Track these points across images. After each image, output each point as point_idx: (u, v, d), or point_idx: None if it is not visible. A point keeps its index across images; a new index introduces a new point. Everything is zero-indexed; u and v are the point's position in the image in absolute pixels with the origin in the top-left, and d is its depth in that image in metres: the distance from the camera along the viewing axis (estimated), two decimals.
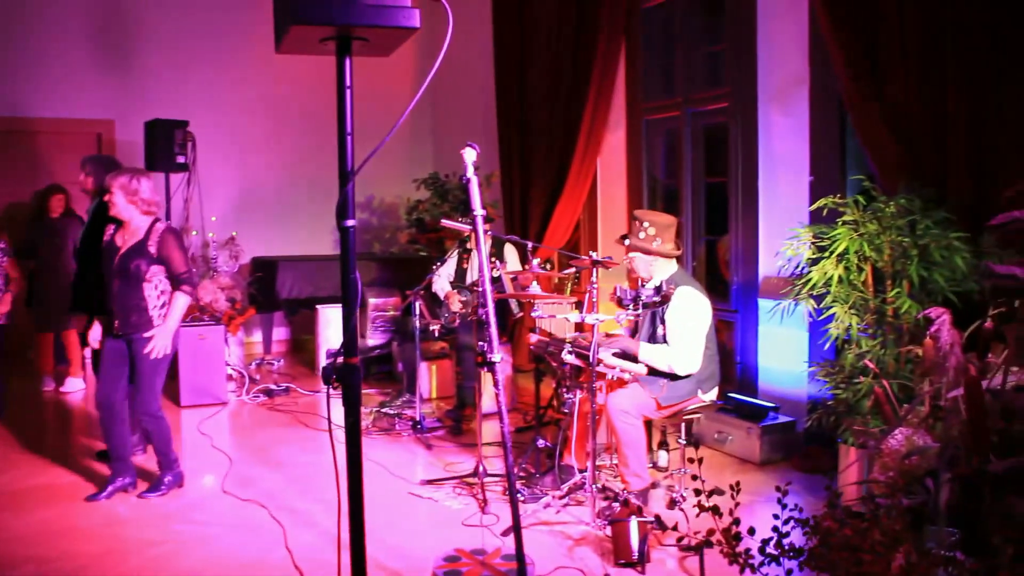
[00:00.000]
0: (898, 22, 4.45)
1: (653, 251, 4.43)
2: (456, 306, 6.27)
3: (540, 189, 7.27)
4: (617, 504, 4.06)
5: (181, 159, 6.90)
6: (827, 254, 4.10)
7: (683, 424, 4.55)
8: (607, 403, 4.32)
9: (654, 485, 4.60)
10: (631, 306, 3.87)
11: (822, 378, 4.27)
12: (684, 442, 4.55)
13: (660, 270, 4.49)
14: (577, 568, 3.74)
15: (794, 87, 5.28)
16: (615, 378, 4.22)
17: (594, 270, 4.21)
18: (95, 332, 4.77)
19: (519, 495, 4.55)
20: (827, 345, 4.17)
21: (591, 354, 4.03)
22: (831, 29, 4.70)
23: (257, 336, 8.53)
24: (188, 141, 6.93)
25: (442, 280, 6.45)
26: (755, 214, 5.59)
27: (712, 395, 4.49)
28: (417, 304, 5.88)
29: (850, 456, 4.28)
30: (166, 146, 6.85)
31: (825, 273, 4.09)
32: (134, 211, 4.63)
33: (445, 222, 4.80)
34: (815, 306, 4.18)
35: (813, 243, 4.17)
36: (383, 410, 6.30)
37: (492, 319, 3.22)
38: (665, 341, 4.35)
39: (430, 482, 4.89)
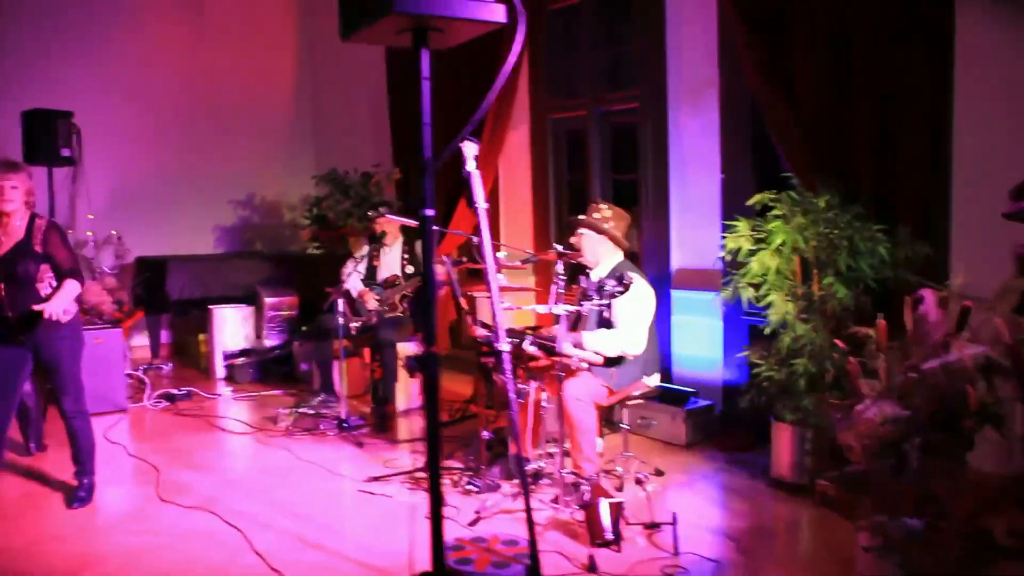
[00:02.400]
0: (808, 28, 4.79)
1: (605, 231, 4.58)
2: (372, 304, 6.19)
3: (439, 186, 7.27)
4: (583, 488, 4.19)
5: (66, 152, 6.42)
6: (765, 246, 4.38)
7: (624, 410, 4.72)
8: (562, 391, 4.43)
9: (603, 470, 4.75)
10: (595, 296, 3.99)
11: (757, 361, 4.55)
12: (626, 427, 4.72)
13: (606, 255, 4.64)
14: (556, 551, 3.82)
15: (704, 89, 5.57)
16: (575, 367, 4.34)
17: (559, 262, 4.31)
18: None
19: (474, 487, 4.60)
20: (767, 331, 4.45)
21: (557, 344, 4.12)
22: (743, 35, 5.01)
23: (140, 340, 8.05)
24: (73, 133, 6.46)
25: (354, 278, 6.35)
26: (666, 210, 5.86)
27: (655, 379, 4.70)
28: (340, 302, 5.78)
29: (782, 433, 4.58)
30: (48, 138, 6.35)
31: (763, 263, 4.37)
32: (22, 208, 4.31)
33: (389, 216, 4.76)
34: (754, 294, 4.45)
35: (752, 235, 4.43)
36: (299, 410, 6.13)
37: (498, 308, 3.26)
38: (610, 327, 4.50)
39: (376, 479, 4.84)
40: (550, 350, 4.31)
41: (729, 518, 4.26)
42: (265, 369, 7.46)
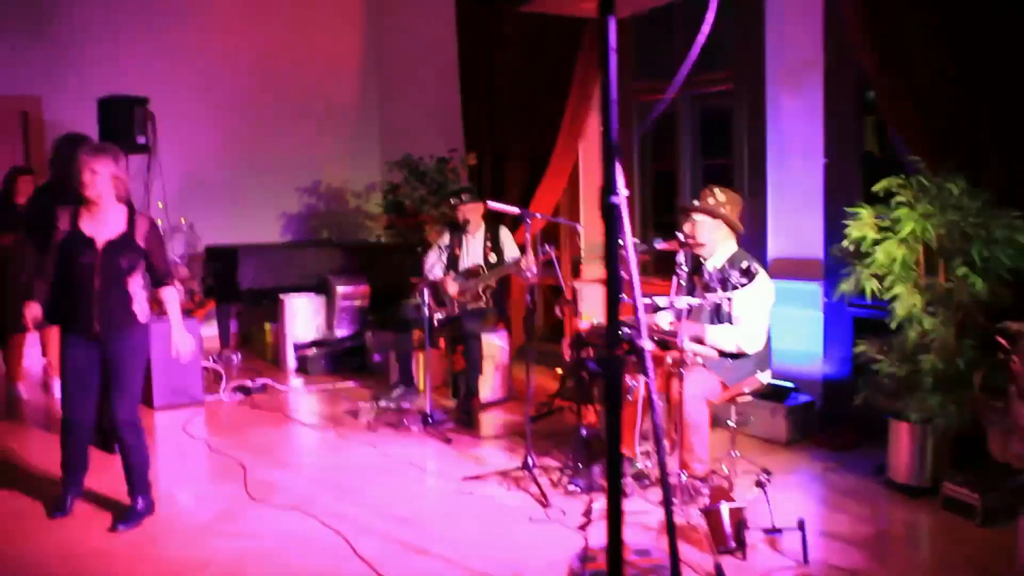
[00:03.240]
0: (927, 3, 4.49)
1: (720, 215, 4.33)
2: (453, 290, 5.99)
3: (516, 173, 7.06)
4: (704, 491, 3.97)
5: (142, 140, 6.29)
6: (890, 234, 4.10)
7: (733, 407, 4.48)
8: (674, 388, 4.21)
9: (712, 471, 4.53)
10: (718, 288, 3.75)
11: (878, 356, 4.28)
12: (733, 425, 4.48)
13: (722, 243, 4.38)
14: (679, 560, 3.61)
15: (805, 69, 5.27)
16: (691, 362, 4.10)
17: (681, 252, 4.07)
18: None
19: (576, 487, 4.40)
20: (894, 324, 4.17)
21: (679, 339, 3.88)
22: (856, 10, 4.71)
23: (208, 330, 7.93)
24: (148, 121, 6.33)
25: (437, 268, 6.16)
26: (763, 197, 5.58)
27: (768, 375, 4.45)
28: (425, 292, 5.59)
29: (901, 432, 4.32)
30: (124, 126, 6.22)
31: (889, 253, 4.09)
32: (111, 196, 4.05)
33: (491, 204, 4.57)
34: (878, 286, 4.18)
35: (876, 223, 4.16)
36: (380, 403, 5.96)
37: (639, 302, 3.04)
38: (729, 320, 4.26)
39: (474, 478, 4.65)
40: (666, 344, 4.08)
41: (850, 523, 4.01)
42: (337, 360, 7.31)
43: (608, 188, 2.13)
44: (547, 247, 4.35)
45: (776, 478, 4.55)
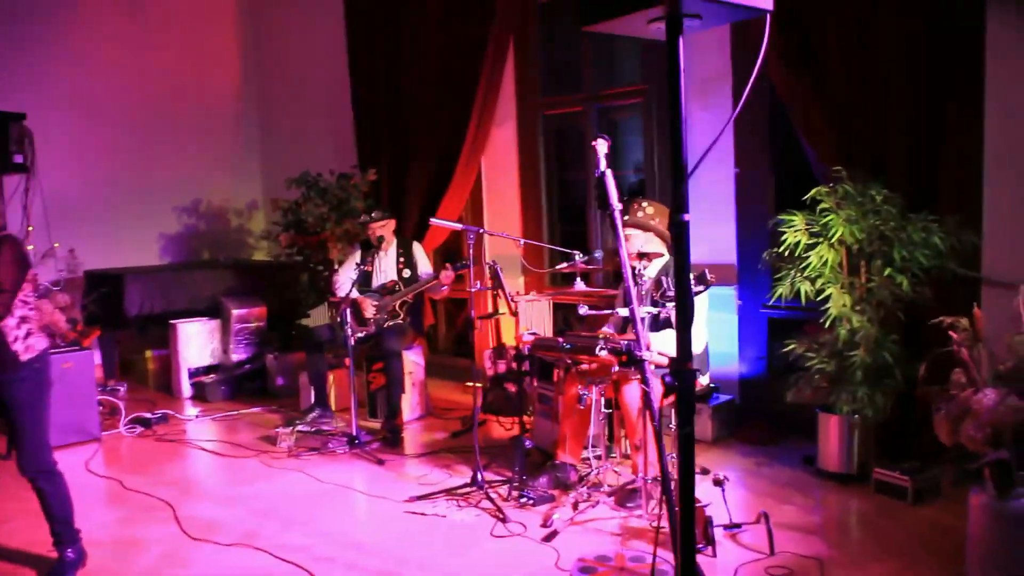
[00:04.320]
0: (835, 17, 4.76)
1: (652, 227, 4.42)
2: (370, 311, 5.84)
3: (416, 188, 6.96)
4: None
5: (19, 159, 5.77)
6: (821, 240, 4.33)
7: (673, 410, 4.58)
8: (624, 396, 4.26)
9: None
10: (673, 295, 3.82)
11: (810, 354, 4.50)
12: (672, 427, 4.58)
13: (655, 253, 4.49)
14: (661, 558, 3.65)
15: (716, 83, 5.49)
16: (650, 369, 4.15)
17: (639, 263, 4.12)
18: None
19: (528, 499, 4.36)
20: (827, 323, 4.39)
21: (637, 349, 3.92)
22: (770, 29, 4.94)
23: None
24: (25, 137, 5.81)
25: (345, 284, 5.97)
26: None
27: (706, 379, 4.58)
28: (347, 312, 5.40)
29: (831, 424, 4.55)
30: None
31: (821, 257, 4.31)
32: None
33: (435, 221, 4.47)
34: (811, 288, 4.39)
35: (806, 229, 4.37)
36: (297, 427, 5.70)
37: (637, 316, 3.06)
38: (669, 326, 4.35)
39: (420, 498, 4.52)
40: (619, 352, 4.12)
41: (797, 513, 4.18)
42: (236, 385, 6.96)
43: (679, 207, 2.15)
44: (492, 261, 4.30)
45: (705, 475, 4.71)
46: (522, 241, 4.97)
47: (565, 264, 4.47)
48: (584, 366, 4.44)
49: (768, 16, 2.24)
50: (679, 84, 2.14)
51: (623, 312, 4.00)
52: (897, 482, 4.22)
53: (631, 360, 3.13)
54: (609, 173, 3.09)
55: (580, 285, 4.19)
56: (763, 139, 5.45)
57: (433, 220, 4.65)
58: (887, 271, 4.22)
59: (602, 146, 3.09)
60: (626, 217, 4.54)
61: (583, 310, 4.03)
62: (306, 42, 8.33)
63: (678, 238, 2.18)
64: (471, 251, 4.39)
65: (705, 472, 4.74)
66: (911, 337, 4.42)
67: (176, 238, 8.29)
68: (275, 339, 7.28)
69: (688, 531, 2.18)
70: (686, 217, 2.16)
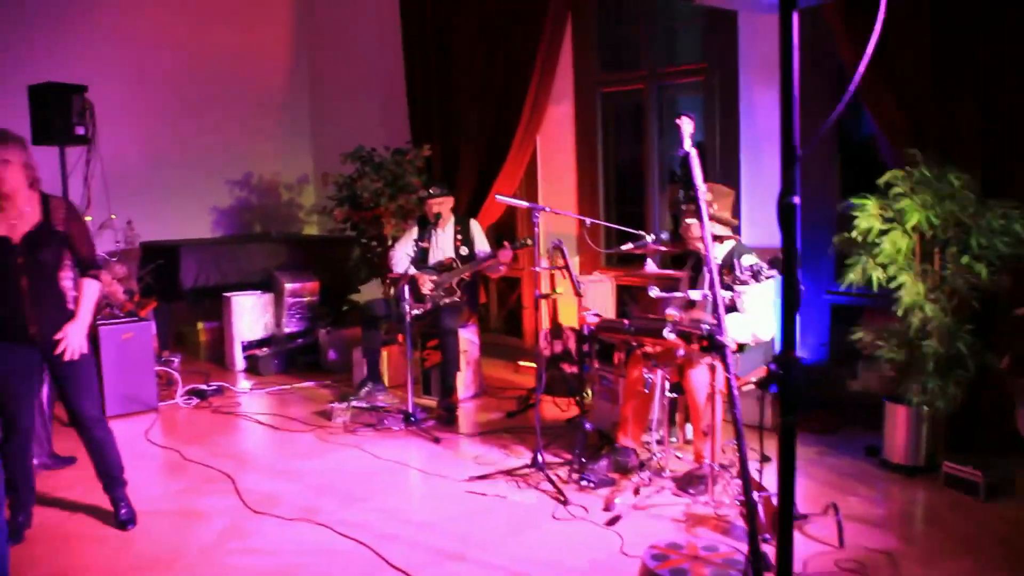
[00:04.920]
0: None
1: (711, 216, 4.32)
2: (427, 287, 5.81)
3: (470, 164, 6.89)
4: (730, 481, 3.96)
5: (81, 131, 5.78)
6: (895, 226, 4.20)
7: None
8: (690, 380, 4.19)
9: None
10: (751, 281, 3.73)
11: (880, 343, 4.39)
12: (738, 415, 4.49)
13: (720, 241, 4.39)
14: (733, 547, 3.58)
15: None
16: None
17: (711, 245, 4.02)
18: None
19: (588, 483, 4.31)
20: (899, 312, 4.27)
21: (708, 330, 3.83)
22: (833, 3, 4.79)
23: None
24: (87, 110, 5.82)
25: (404, 262, 5.94)
26: (737, 188, 5.63)
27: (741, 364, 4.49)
28: (406, 288, 5.37)
29: (898, 415, 4.44)
30: (61, 116, 5.69)
31: (895, 244, 4.19)
32: (23, 186, 3.64)
33: (501, 198, 4.42)
34: (883, 275, 4.27)
35: (880, 214, 4.24)
36: (352, 403, 5.70)
37: (719, 298, 2.98)
38: (733, 310, 4.26)
39: (480, 478, 4.49)
40: (688, 337, 4.04)
41: (862, 504, 4.08)
42: (289, 359, 6.98)
43: (788, 189, 2.07)
44: (558, 241, 4.23)
45: (775, 464, 4.63)
46: (588, 221, 4.89)
47: (631, 244, 4.39)
48: (648, 349, 4.37)
49: None
50: (792, 62, 2.04)
51: (695, 295, 3.91)
52: (968, 477, 4.10)
53: (712, 345, 3.04)
54: (694, 153, 3.01)
55: (651, 266, 4.10)
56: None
57: (498, 197, 4.59)
58: (964, 259, 4.08)
59: (687, 125, 3.01)
60: (686, 206, 4.44)
61: (654, 292, 3.95)
62: (358, 17, 8.27)
63: (787, 221, 2.09)
64: (536, 229, 4.32)
65: (768, 460, 4.67)
66: (984, 327, 4.29)
67: (228, 211, 8.32)
68: (327, 314, 7.28)
69: (787, 522, 2.11)
70: (796, 200, 2.07)
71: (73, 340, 3.71)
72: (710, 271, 2.94)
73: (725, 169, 5.67)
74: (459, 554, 3.64)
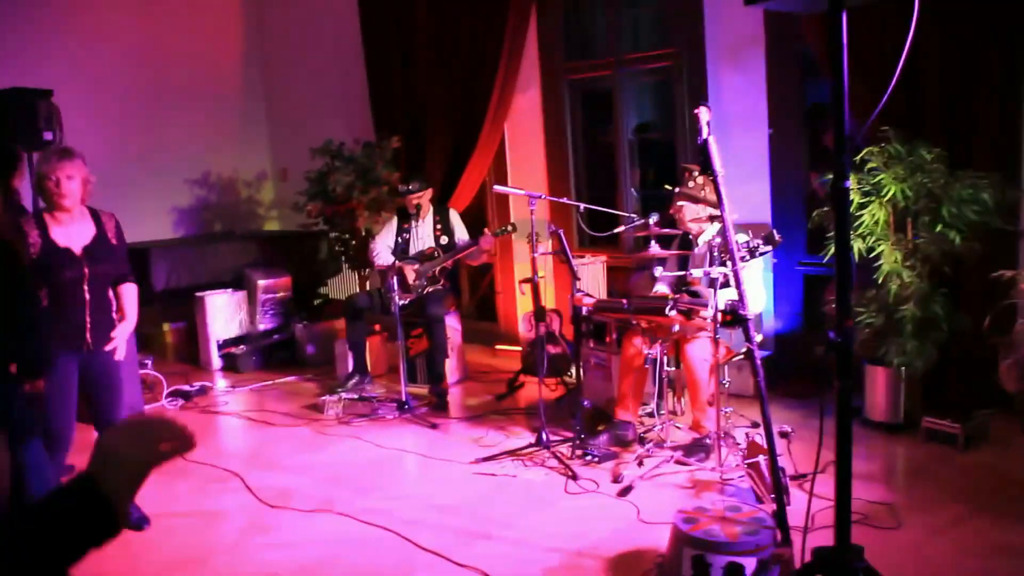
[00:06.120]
0: None
1: (701, 199, 4.50)
2: (412, 277, 5.87)
3: (438, 155, 6.94)
4: (738, 447, 4.15)
5: (49, 136, 5.65)
6: (872, 199, 4.43)
7: (727, 368, 4.70)
8: (689, 353, 4.36)
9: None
10: (747, 257, 3.91)
11: (859, 308, 4.63)
12: (727, 385, 4.69)
13: (708, 221, 4.56)
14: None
15: (748, 46, 5.54)
16: (708, 329, 4.25)
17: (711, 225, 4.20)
18: None
19: (593, 457, 4.46)
20: (880, 280, 4.51)
21: (711, 303, 3.99)
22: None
23: None
24: (54, 115, 5.69)
25: (385, 254, 5.98)
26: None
27: (759, 337, 4.69)
28: (394, 279, 5.43)
29: (878, 376, 4.70)
30: (28, 120, 5.56)
31: (873, 215, 4.42)
32: (82, 201, 3.78)
33: (499, 188, 4.52)
34: (863, 246, 4.50)
35: (858, 188, 4.46)
36: (342, 394, 5.73)
37: (740, 279, 3.14)
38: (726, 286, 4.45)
39: (486, 459, 4.60)
40: (690, 314, 4.20)
41: (854, 461, 4.31)
42: (267, 355, 6.95)
43: (840, 175, 2.22)
44: (554, 226, 4.34)
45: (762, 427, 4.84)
46: (582, 207, 5.02)
47: (623, 227, 4.53)
48: (644, 326, 4.53)
49: None
50: (842, 59, 2.20)
51: (697, 274, 4.08)
52: (947, 429, 4.38)
53: (736, 319, 3.20)
54: (712, 140, 3.16)
55: (655, 248, 4.25)
56: (796, 101, 5.53)
57: (496, 187, 4.70)
58: (938, 227, 4.34)
59: (704, 114, 3.15)
60: (679, 189, 4.60)
61: (659, 272, 4.09)
62: (313, 9, 8.20)
63: (841, 203, 2.24)
64: (533, 216, 4.42)
65: (756, 425, 4.89)
66: (956, 291, 4.57)
67: (188, 211, 8.18)
68: (301, 308, 7.27)
69: (845, 489, 2.28)
70: (848, 184, 2.23)
71: (123, 342, 3.85)
72: (732, 251, 3.10)
73: (695, 152, 5.84)
74: (486, 533, 3.75)
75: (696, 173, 4.55)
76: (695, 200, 4.54)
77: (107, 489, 1.23)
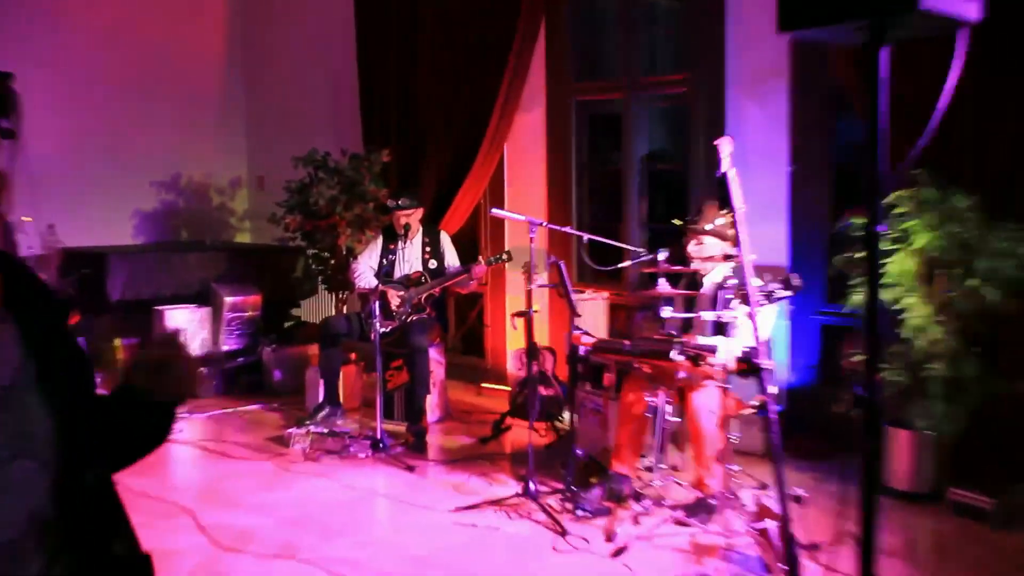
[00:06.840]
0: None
1: (729, 237, 4.43)
2: (395, 302, 5.76)
3: (432, 173, 6.88)
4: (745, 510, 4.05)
5: (5, 124, 5.50)
6: (901, 247, 4.38)
7: (736, 421, 4.61)
8: (694, 403, 4.26)
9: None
10: (763, 302, 3.84)
11: (884, 365, 4.55)
12: (735, 440, 4.60)
13: (720, 260, 4.49)
14: None
15: (770, 78, 5.51)
16: (716, 376, 4.16)
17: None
18: None
19: (585, 512, 4.34)
20: (905, 334, 4.44)
21: (720, 354, 3.92)
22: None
23: None
24: (13, 100, 5.55)
25: (368, 276, 5.88)
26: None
27: (775, 388, 4.60)
28: (376, 305, 5.33)
29: (901, 440, 4.61)
30: None
31: (901, 265, 4.36)
32: None
33: (496, 212, 4.43)
34: (889, 297, 4.44)
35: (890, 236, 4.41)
36: (310, 427, 5.59)
37: (758, 319, 3.06)
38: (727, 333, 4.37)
39: (467, 508, 4.47)
40: (697, 360, 4.12)
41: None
42: (229, 379, 6.81)
43: (874, 217, 2.16)
44: (554, 257, 4.27)
45: (773, 490, 4.74)
46: (586, 238, 4.95)
47: (629, 262, 4.46)
48: (646, 370, 4.44)
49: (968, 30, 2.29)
50: (879, 95, 2.16)
51: (708, 316, 4.00)
52: (978, 503, 4.29)
53: (751, 369, 3.12)
54: (732, 173, 3.10)
55: (664, 286, 4.17)
56: (821, 138, 5.49)
57: (495, 211, 4.62)
58: (973, 282, 4.28)
59: (726, 145, 3.10)
60: (707, 226, 4.52)
61: (666, 312, 4.02)
62: (303, 10, 8.17)
63: (872, 247, 2.19)
64: (532, 244, 4.35)
65: (764, 487, 4.78)
66: (991, 351, 4.50)
67: (152, 216, 8.07)
68: (270, 330, 7.14)
69: (868, 568, 2.19)
70: (882, 227, 2.19)
71: None
72: (748, 291, 3.02)
73: (706, 182, 5.80)
74: None
75: (724, 211, 4.48)
76: (723, 237, 4.47)
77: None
